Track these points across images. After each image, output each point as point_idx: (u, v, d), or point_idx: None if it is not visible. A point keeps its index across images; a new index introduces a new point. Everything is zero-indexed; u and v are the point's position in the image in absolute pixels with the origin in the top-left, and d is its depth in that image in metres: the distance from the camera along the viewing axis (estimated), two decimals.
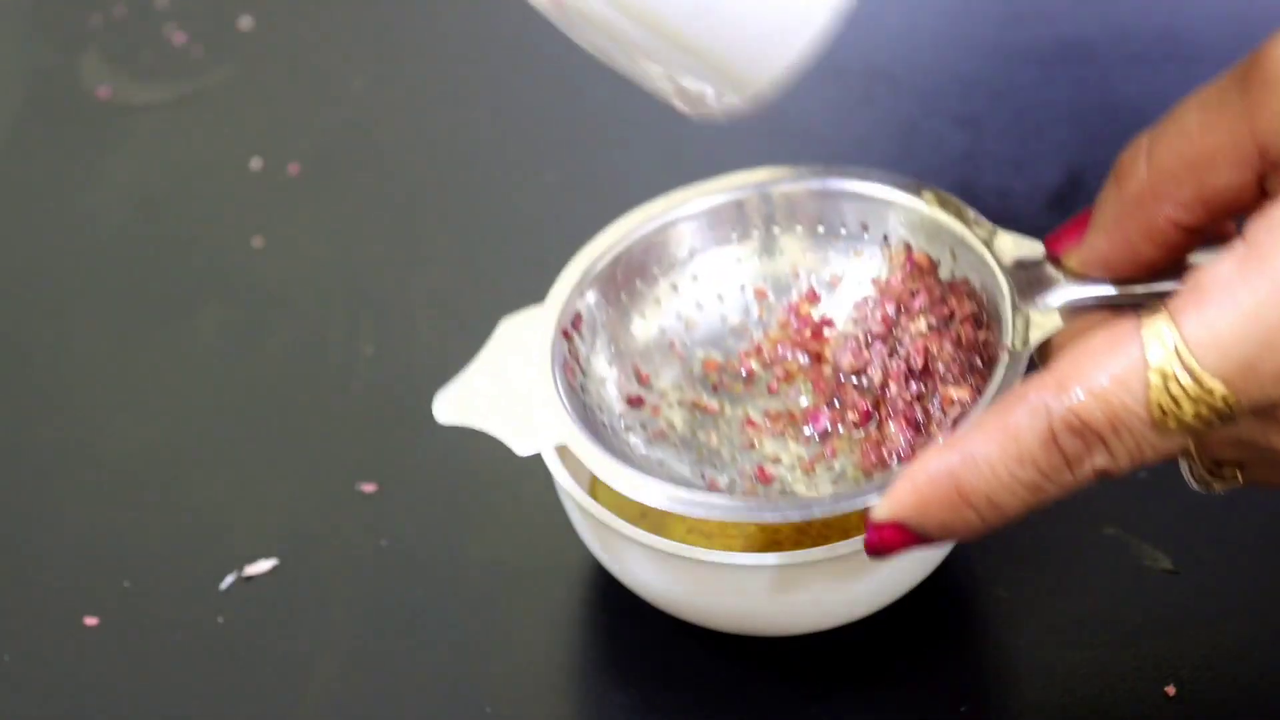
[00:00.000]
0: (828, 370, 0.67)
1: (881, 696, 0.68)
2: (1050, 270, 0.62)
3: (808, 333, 0.68)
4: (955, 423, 0.63)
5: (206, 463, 0.77)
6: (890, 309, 0.67)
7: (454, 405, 0.64)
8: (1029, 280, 0.62)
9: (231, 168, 0.89)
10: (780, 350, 0.68)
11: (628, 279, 0.68)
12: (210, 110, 0.93)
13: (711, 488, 0.64)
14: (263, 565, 0.73)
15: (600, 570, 0.71)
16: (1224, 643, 0.68)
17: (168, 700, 0.69)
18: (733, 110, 0.59)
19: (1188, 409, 0.53)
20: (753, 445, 0.66)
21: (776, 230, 0.69)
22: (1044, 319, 0.61)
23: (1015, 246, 0.63)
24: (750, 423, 0.67)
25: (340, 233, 0.86)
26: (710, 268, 0.69)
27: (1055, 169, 0.85)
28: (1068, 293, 0.61)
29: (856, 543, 0.63)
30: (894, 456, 0.64)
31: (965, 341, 0.64)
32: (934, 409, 0.64)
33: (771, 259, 0.69)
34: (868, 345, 0.67)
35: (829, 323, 0.68)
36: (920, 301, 0.66)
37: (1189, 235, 0.58)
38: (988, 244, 0.64)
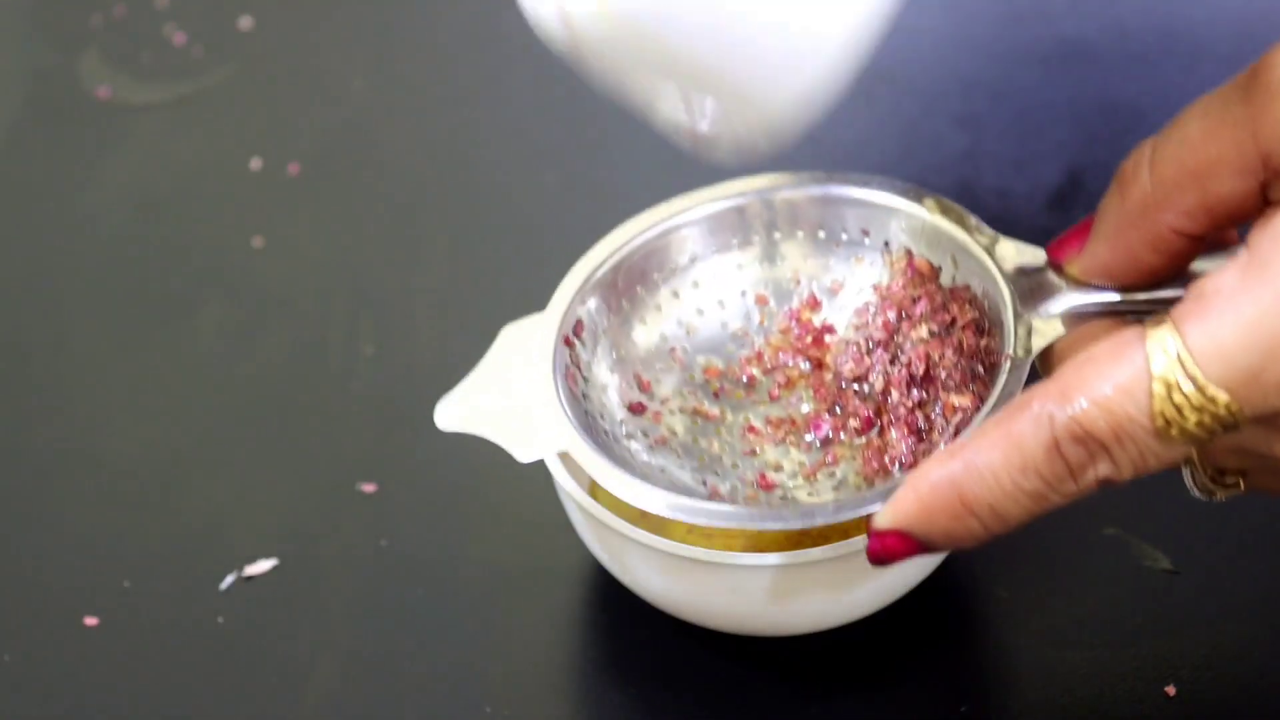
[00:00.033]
0: (829, 377, 0.67)
1: (881, 696, 0.68)
2: (1052, 277, 0.62)
3: (809, 339, 0.68)
4: (957, 430, 0.63)
5: (206, 463, 0.77)
6: (891, 315, 0.67)
7: (455, 413, 0.64)
8: (1031, 287, 0.62)
9: (231, 168, 0.89)
10: (781, 357, 0.68)
11: (629, 286, 0.68)
12: (210, 110, 0.93)
13: (713, 494, 0.64)
14: (263, 565, 0.73)
15: (600, 570, 0.71)
16: (1224, 643, 0.68)
17: (168, 700, 0.69)
18: (747, 147, 0.59)
19: (1191, 418, 0.53)
20: (754, 452, 0.66)
21: (778, 236, 0.69)
22: (1046, 326, 0.61)
23: (1017, 253, 0.63)
24: (751, 429, 0.67)
25: (340, 233, 0.86)
26: (711, 274, 0.69)
27: (1055, 169, 0.85)
28: (1069, 300, 0.61)
29: (857, 543, 0.63)
30: (896, 464, 0.64)
31: (967, 348, 0.64)
32: (936, 416, 0.64)
33: (773, 265, 0.69)
34: (869, 352, 0.67)
35: (830, 329, 0.68)
36: (921, 308, 0.66)
37: (1191, 243, 0.58)
38: (989, 251, 0.64)
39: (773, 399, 0.68)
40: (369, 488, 0.75)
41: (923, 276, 0.66)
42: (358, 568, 0.73)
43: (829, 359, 0.68)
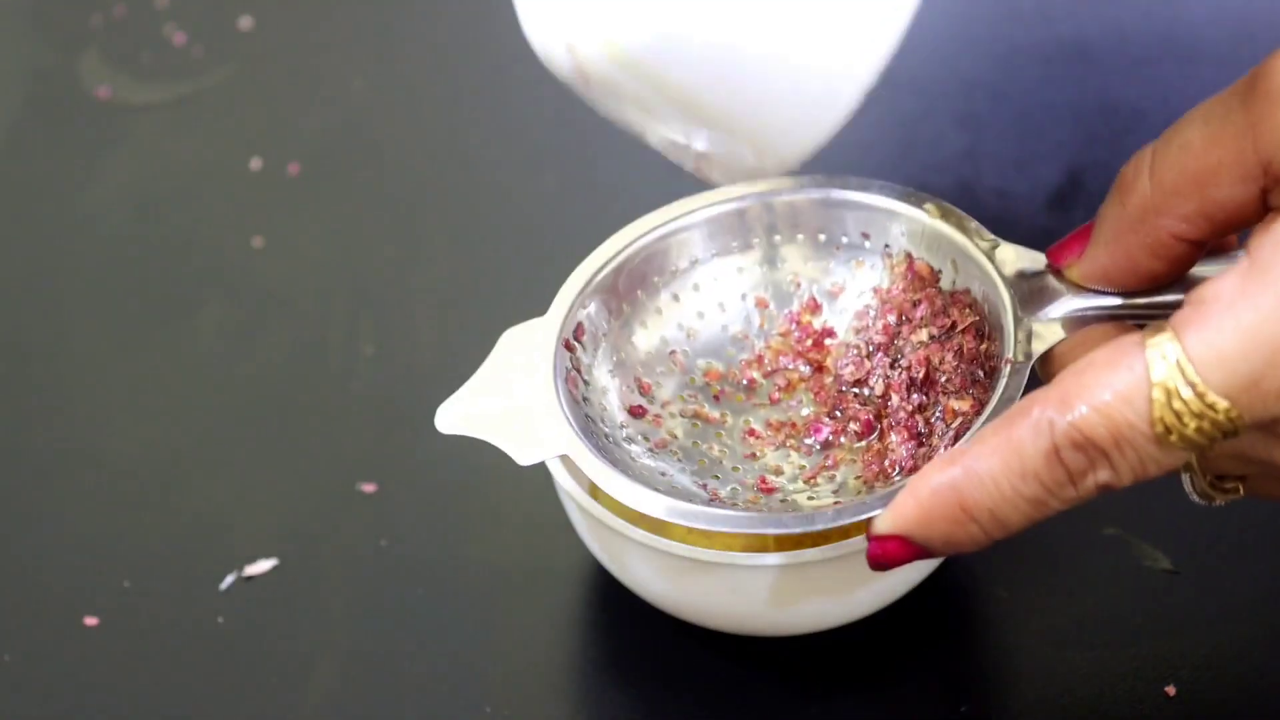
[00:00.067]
0: (829, 380, 0.67)
1: (881, 696, 0.68)
2: (1052, 282, 0.62)
3: (809, 342, 0.68)
4: (957, 434, 0.63)
5: (206, 462, 0.77)
6: (891, 319, 0.67)
7: (456, 416, 0.64)
8: (1031, 291, 0.62)
9: (231, 168, 0.89)
10: (782, 360, 0.68)
11: (630, 289, 0.68)
12: (210, 110, 0.93)
13: (713, 498, 0.64)
14: (263, 565, 0.73)
15: (600, 570, 0.71)
16: (1224, 643, 0.68)
17: (168, 700, 0.69)
18: (752, 174, 0.59)
19: (1191, 425, 0.53)
20: (754, 455, 0.66)
21: (778, 239, 0.69)
22: (1046, 330, 0.61)
23: (1017, 258, 0.64)
24: (752, 432, 0.67)
25: (340, 233, 0.86)
26: (712, 277, 0.69)
27: (1055, 169, 0.85)
28: (1069, 304, 0.61)
29: (857, 543, 0.63)
30: (896, 468, 0.64)
31: (967, 353, 0.64)
32: (936, 420, 0.64)
33: (773, 268, 0.69)
34: (869, 355, 0.67)
35: (830, 332, 0.68)
36: (922, 312, 0.66)
37: (1191, 248, 0.58)
38: (989, 255, 0.64)
39: (773, 402, 0.68)
40: (369, 488, 0.75)
41: (923, 280, 0.66)
42: (358, 568, 0.73)
43: (829, 362, 0.68)
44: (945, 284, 0.66)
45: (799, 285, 0.69)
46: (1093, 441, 0.54)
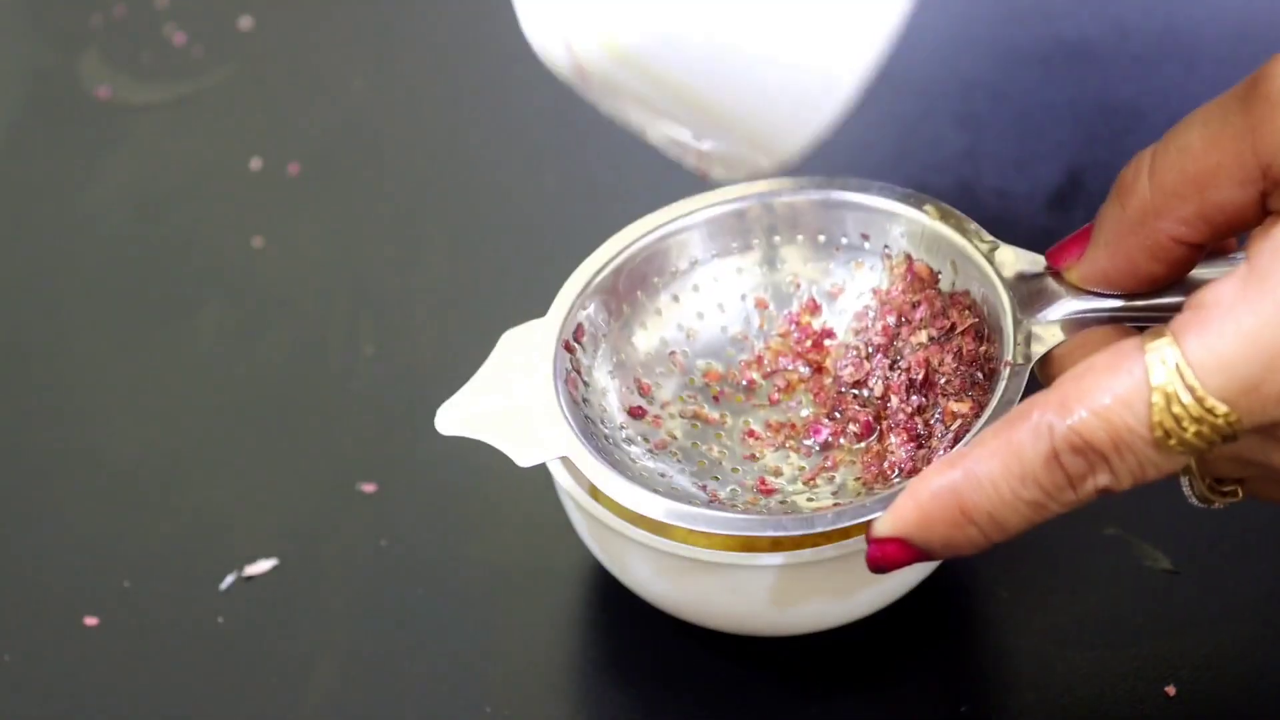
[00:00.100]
0: (828, 381, 0.67)
1: (881, 696, 0.68)
2: (1052, 283, 0.62)
3: (808, 343, 0.68)
4: (956, 436, 0.63)
5: (206, 463, 0.77)
6: (891, 320, 0.67)
7: (456, 417, 0.64)
8: (1030, 293, 0.62)
9: (231, 168, 0.89)
10: (781, 361, 0.68)
11: (629, 290, 0.68)
12: (210, 110, 0.93)
13: (712, 499, 0.64)
14: (263, 565, 0.73)
15: (600, 570, 0.71)
16: (1224, 643, 0.68)
17: (168, 700, 0.69)
18: (756, 173, 0.59)
19: (1190, 429, 0.53)
20: (754, 456, 0.66)
21: (778, 240, 0.69)
22: (1045, 332, 0.61)
23: (1016, 260, 0.64)
24: (751, 433, 0.67)
25: (340, 233, 0.86)
26: (712, 278, 0.69)
27: (1055, 169, 0.85)
28: (1069, 306, 0.61)
29: (857, 543, 0.63)
30: (895, 470, 0.64)
31: (966, 354, 0.64)
32: (935, 422, 0.64)
33: (773, 269, 0.69)
34: (868, 357, 0.67)
35: (830, 333, 0.68)
36: (921, 313, 0.66)
37: (1191, 251, 0.58)
38: (989, 257, 0.64)
39: (772, 403, 0.68)
40: (369, 488, 0.75)
41: (922, 281, 0.66)
42: (358, 568, 0.73)
43: (828, 363, 0.68)
44: (945, 285, 0.66)
45: (798, 286, 0.69)
46: (1092, 446, 0.54)
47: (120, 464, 0.77)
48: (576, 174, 0.88)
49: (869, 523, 0.58)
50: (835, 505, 0.62)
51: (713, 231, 0.68)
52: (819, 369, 0.68)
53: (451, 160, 0.89)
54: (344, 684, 0.69)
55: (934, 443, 0.64)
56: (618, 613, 0.70)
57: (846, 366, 0.67)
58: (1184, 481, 0.59)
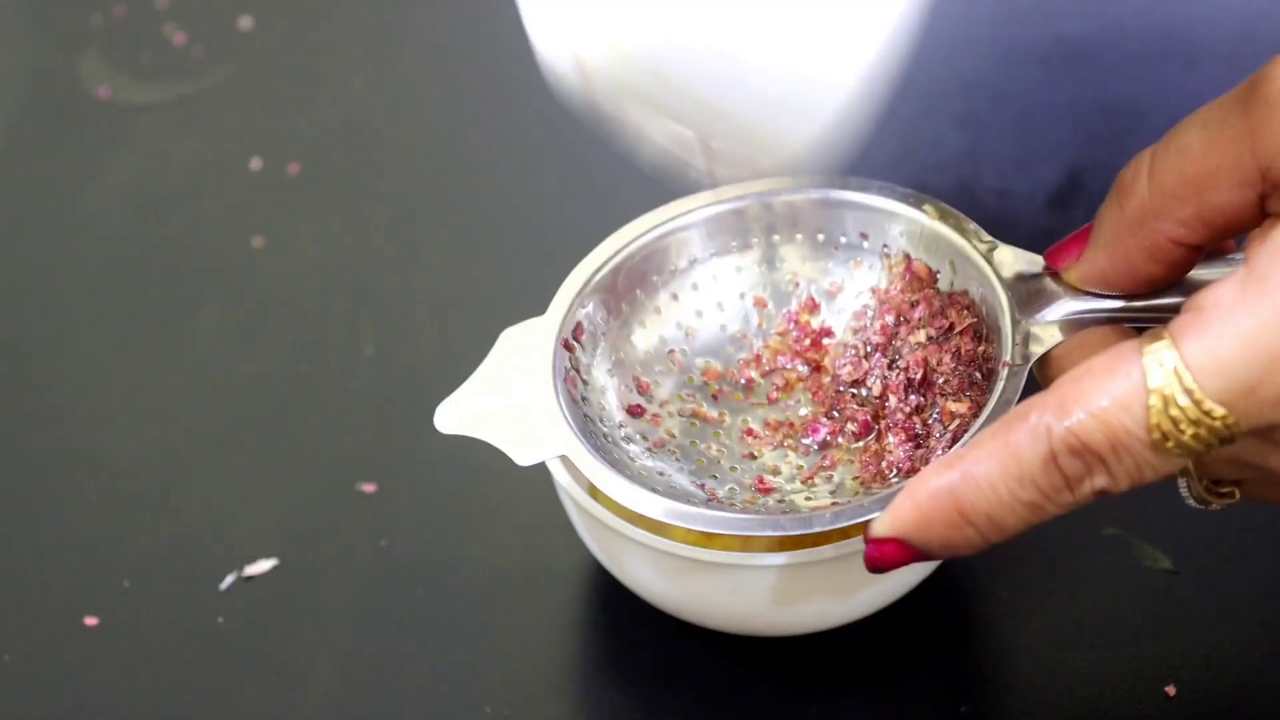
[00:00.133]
0: (827, 380, 0.67)
1: (881, 696, 0.68)
2: (1050, 284, 0.62)
3: (807, 342, 0.68)
4: (954, 436, 0.63)
5: (206, 462, 0.77)
6: (889, 319, 0.67)
7: (455, 415, 0.64)
8: (1029, 293, 0.62)
9: (231, 168, 0.89)
10: (780, 359, 0.68)
11: (628, 289, 0.68)
12: (210, 110, 0.93)
13: (711, 498, 0.64)
14: (263, 565, 0.73)
15: (600, 570, 0.71)
16: (1224, 643, 0.68)
17: (168, 700, 0.69)
18: (758, 172, 0.59)
19: (1187, 431, 0.53)
20: (752, 455, 0.66)
21: (777, 239, 0.69)
22: (1043, 333, 0.61)
23: (1015, 260, 0.64)
24: (750, 432, 0.67)
25: (340, 233, 0.86)
26: (710, 277, 0.69)
27: (1055, 169, 0.85)
28: (1067, 307, 0.61)
29: (856, 543, 0.63)
30: (893, 469, 0.64)
31: (964, 354, 0.64)
32: (933, 422, 0.64)
33: (771, 268, 0.69)
34: (867, 356, 0.67)
35: (828, 332, 0.68)
36: (920, 313, 0.66)
37: (1189, 253, 0.58)
38: (987, 257, 0.64)
39: (771, 402, 0.68)
40: (369, 488, 0.75)
41: (921, 281, 0.66)
42: (358, 568, 0.73)
43: (827, 362, 0.68)
44: (943, 285, 0.66)
45: (797, 285, 0.69)
46: (1090, 448, 0.54)
47: (120, 464, 0.77)
48: (576, 173, 0.88)
49: (867, 523, 0.58)
50: (834, 505, 0.62)
51: (712, 230, 0.68)
52: (817, 368, 0.68)
53: (451, 160, 0.89)
54: (344, 684, 0.69)
55: (932, 442, 0.64)
56: (618, 613, 0.70)
57: (845, 365, 0.67)
58: (1181, 483, 0.59)
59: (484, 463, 0.67)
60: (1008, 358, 0.61)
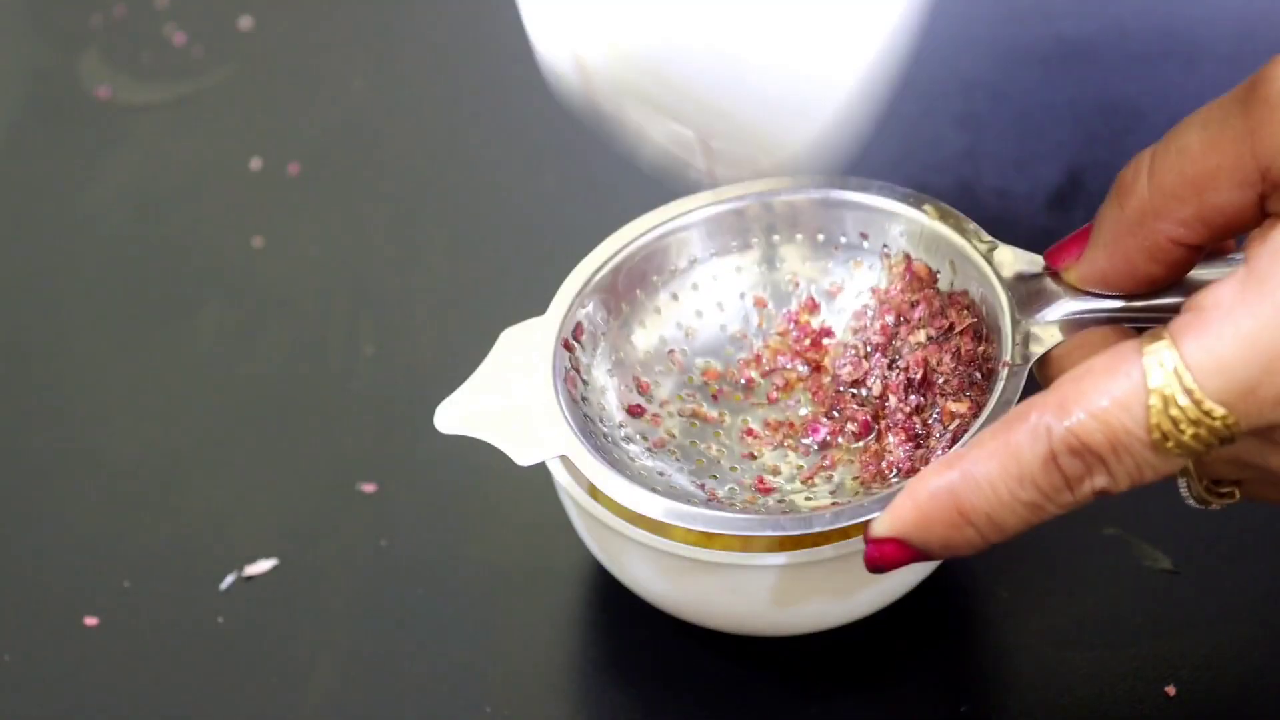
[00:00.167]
0: (827, 380, 0.67)
1: (881, 696, 0.68)
2: (1050, 284, 0.62)
3: (807, 342, 0.68)
4: (954, 436, 0.63)
5: (206, 463, 0.77)
6: (889, 319, 0.67)
7: (455, 415, 0.64)
8: (1029, 293, 0.62)
9: (231, 168, 0.89)
10: (780, 359, 0.68)
11: (629, 289, 0.68)
12: (210, 110, 0.93)
13: (711, 498, 0.64)
14: (263, 565, 0.73)
15: (600, 570, 0.71)
16: (1224, 643, 0.68)
17: (168, 700, 0.69)
18: (758, 171, 0.59)
19: (1187, 431, 0.53)
20: (752, 455, 0.66)
21: (777, 239, 0.69)
22: (1043, 333, 0.61)
23: (1015, 260, 0.64)
24: (750, 432, 0.67)
25: (340, 233, 0.86)
26: (710, 277, 0.69)
27: (1055, 169, 0.85)
28: (1067, 307, 0.61)
29: (856, 543, 0.63)
30: (893, 469, 0.64)
31: (964, 354, 0.64)
32: (933, 422, 0.64)
33: (771, 268, 0.69)
34: (867, 356, 0.67)
35: (828, 332, 0.68)
36: (920, 313, 0.66)
37: (1189, 253, 0.58)
38: (987, 257, 0.64)
39: (771, 402, 0.68)
40: (369, 488, 0.75)
41: (921, 281, 0.66)
42: (358, 568, 0.73)
43: (827, 362, 0.68)
44: (943, 285, 0.66)
45: (797, 285, 0.69)
46: (1090, 448, 0.54)
47: (120, 464, 0.77)
48: (576, 173, 0.88)
49: (867, 523, 0.58)
50: (834, 505, 0.62)
51: (712, 230, 0.68)
52: (817, 368, 0.68)
53: (451, 160, 0.89)
54: (344, 684, 0.69)
55: (932, 442, 0.64)
56: (618, 613, 0.70)
57: (845, 365, 0.67)
58: (1181, 483, 0.59)
59: (484, 463, 0.67)
60: (1008, 358, 0.61)
